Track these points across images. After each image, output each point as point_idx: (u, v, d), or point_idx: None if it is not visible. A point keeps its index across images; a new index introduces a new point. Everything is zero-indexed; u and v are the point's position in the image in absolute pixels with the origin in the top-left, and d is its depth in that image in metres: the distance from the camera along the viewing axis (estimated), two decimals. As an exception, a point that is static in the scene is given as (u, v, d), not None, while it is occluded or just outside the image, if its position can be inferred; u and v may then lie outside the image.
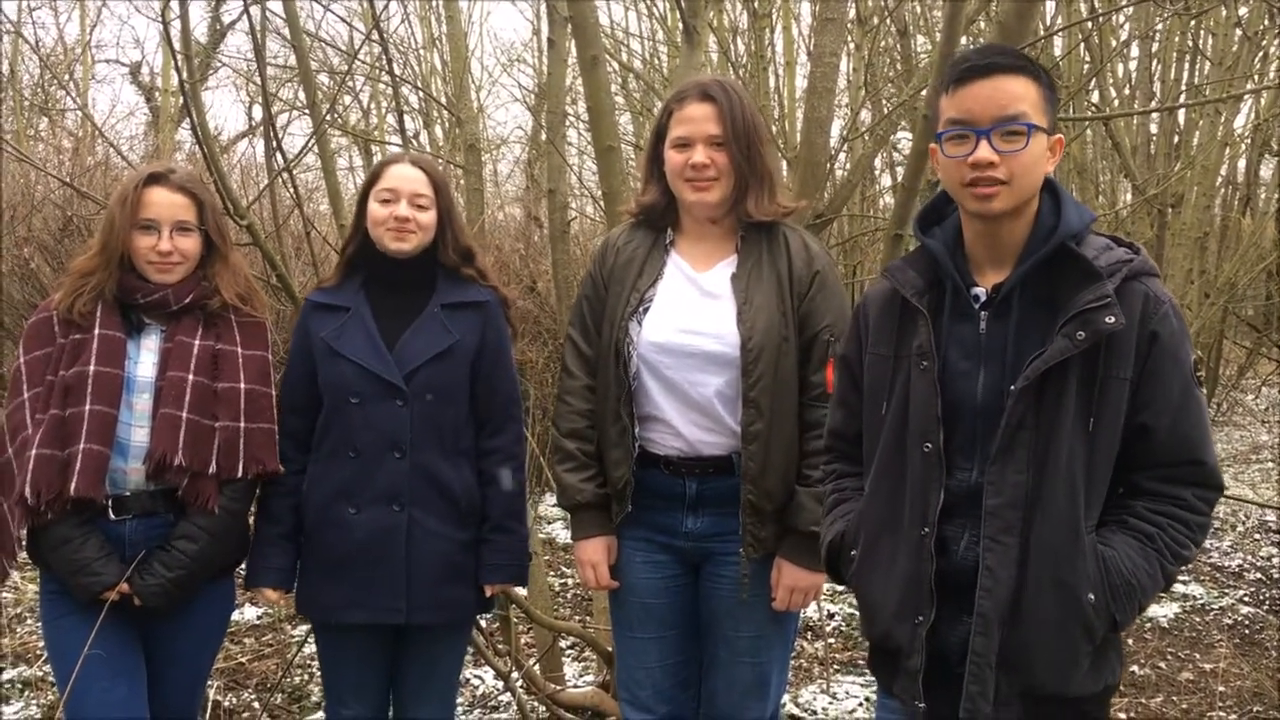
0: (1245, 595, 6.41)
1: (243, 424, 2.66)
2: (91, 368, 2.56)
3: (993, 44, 2.44)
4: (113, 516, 2.61)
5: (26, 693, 4.54)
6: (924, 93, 3.72)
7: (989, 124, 1.92)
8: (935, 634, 2.01)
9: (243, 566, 2.85)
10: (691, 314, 2.64)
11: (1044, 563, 1.92)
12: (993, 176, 1.92)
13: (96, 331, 2.61)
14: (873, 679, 4.86)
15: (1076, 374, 1.91)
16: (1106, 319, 1.87)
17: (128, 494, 2.61)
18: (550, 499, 7.47)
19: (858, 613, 5.82)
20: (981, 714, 1.93)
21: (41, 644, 4.12)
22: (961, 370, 2.01)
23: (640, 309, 2.67)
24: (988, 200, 1.94)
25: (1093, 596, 1.91)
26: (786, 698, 4.57)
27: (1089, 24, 6.20)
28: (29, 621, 5.38)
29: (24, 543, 2.60)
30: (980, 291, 2.03)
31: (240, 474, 2.66)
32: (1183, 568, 2.01)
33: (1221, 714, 4.63)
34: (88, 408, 2.53)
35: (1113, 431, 1.93)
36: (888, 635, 2.08)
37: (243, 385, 2.68)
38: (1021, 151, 1.92)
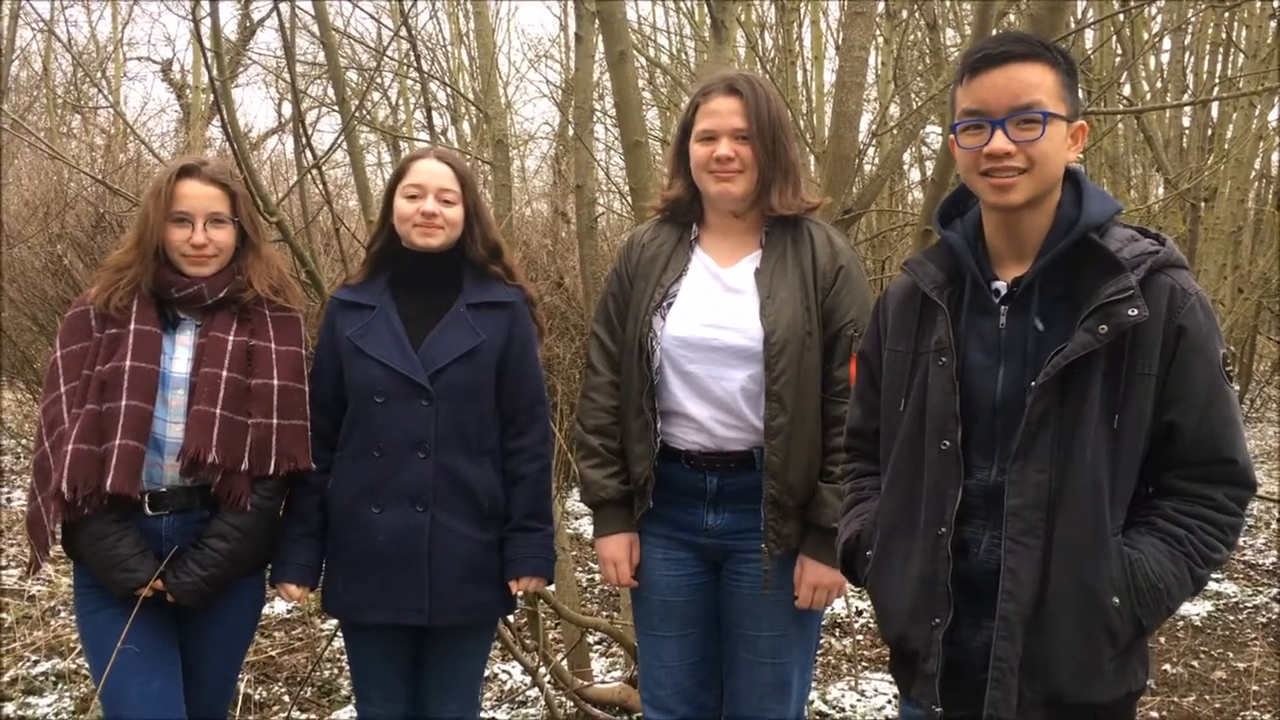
0: (1279, 593, 6.34)
1: (275, 421, 2.67)
2: (127, 363, 2.57)
3: (1009, 32, 2.40)
4: (149, 512, 2.63)
5: (60, 685, 4.58)
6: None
7: (1003, 113, 1.89)
8: (956, 638, 1.97)
9: (272, 562, 2.87)
10: (715, 309, 2.64)
11: (1067, 565, 1.87)
12: (1010, 166, 1.89)
13: (132, 327, 2.62)
14: (901, 676, 4.85)
15: (1100, 369, 1.86)
16: (1129, 311, 1.82)
17: (164, 490, 2.63)
18: (578, 495, 7.47)
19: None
20: None
21: (75, 637, 4.16)
22: (981, 366, 1.97)
23: (664, 304, 2.67)
24: (1005, 191, 1.90)
25: (1117, 600, 1.87)
26: (814, 695, 4.56)
27: (1121, 17, 6.14)
28: (63, 614, 5.43)
29: (58, 536, 2.62)
30: (1000, 285, 1.99)
31: (272, 471, 2.67)
32: (1214, 570, 1.97)
33: (1255, 713, 4.59)
34: (124, 403, 2.54)
35: (1138, 429, 1.89)
36: (904, 638, 2.04)
37: (276, 382, 2.69)
38: (1038, 140, 1.88)
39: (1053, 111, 1.89)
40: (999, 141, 1.89)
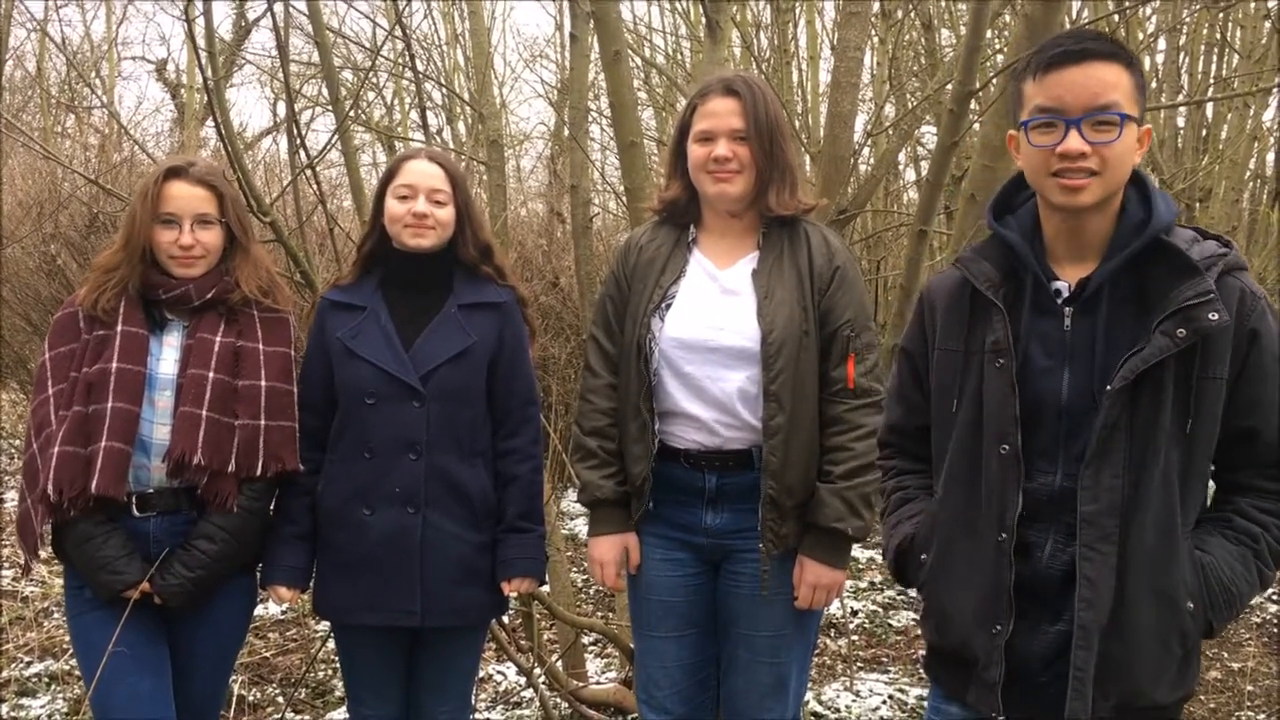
0: (1274, 594, 6.34)
1: (263, 422, 2.67)
2: (114, 365, 2.57)
3: (1084, 29, 2.34)
4: (136, 513, 2.62)
5: (53, 686, 4.57)
6: (949, 87, 3.70)
7: (1080, 112, 1.83)
8: (1013, 643, 1.94)
9: (263, 563, 2.86)
10: (713, 310, 2.64)
11: (1142, 571, 1.85)
12: (1083, 167, 1.84)
13: (119, 328, 2.61)
14: (896, 676, 4.86)
15: (1172, 373, 1.83)
16: (1210, 316, 1.79)
17: (151, 491, 2.62)
18: (573, 495, 7.47)
19: (881, 610, 5.79)
20: None
21: (68, 638, 4.15)
22: (1043, 368, 1.93)
23: (663, 305, 2.67)
24: (1075, 193, 1.86)
25: (1191, 604, 1.86)
26: (809, 695, 4.55)
27: (1115, 17, 6.15)
28: (55, 616, 5.42)
29: (48, 538, 2.61)
30: (1062, 286, 1.94)
31: (260, 472, 2.66)
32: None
33: (1250, 713, 4.59)
34: (110, 405, 2.53)
35: (1210, 433, 1.86)
36: (965, 644, 2.01)
37: (264, 383, 2.68)
38: (1114, 142, 1.84)
39: (1129, 114, 1.85)
40: (1074, 141, 1.84)
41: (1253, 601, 6.08)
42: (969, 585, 2.00)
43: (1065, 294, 1.94)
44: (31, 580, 5.77)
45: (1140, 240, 1.88)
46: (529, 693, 4.45)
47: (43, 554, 2.62)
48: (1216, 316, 1.79)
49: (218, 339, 2.67)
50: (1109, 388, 1.84)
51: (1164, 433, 1.84)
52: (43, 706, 4.36)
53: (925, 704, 2.35)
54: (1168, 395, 1.83)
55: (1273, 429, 1.88)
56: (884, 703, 4.59)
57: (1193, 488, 1.89)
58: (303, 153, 3.91)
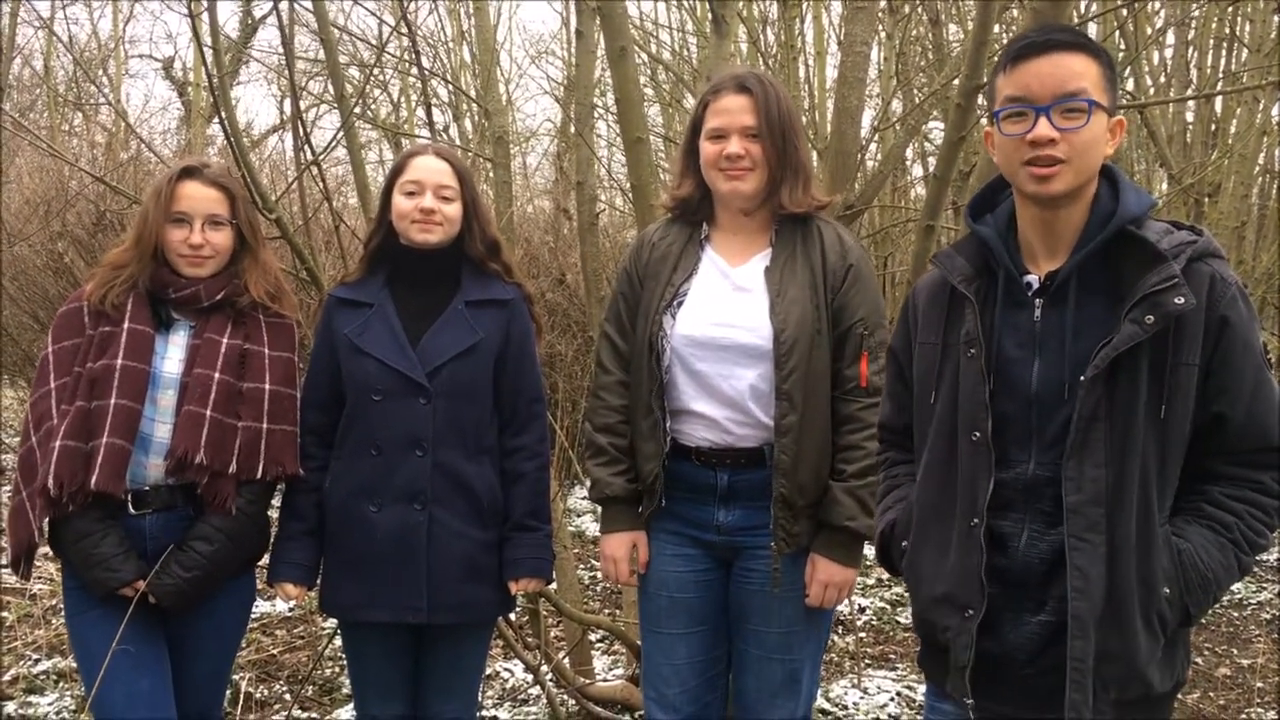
0: (1284, 590, 6.33)
1: (265, 425, 2.67)
2: (119, 361, 2.56)
3: (1052, 23, 2.36)
4: (132, 511, 2.61)
5: (61, 684, 4.57)
6: (956, 82, 3.69)
7: (1048, 100, 1.86)
8: (994, 631, 1.96)
9: (265, 560, 2.85)
10: (725, 307, 2.63)
11: (1127, 559, 1.86)
12: (1051, 155, 1.86)
13: (126, 325, 2.61)
14: (904, 674, 4.85)
15: (1146, 361, 1.85)
16: (1175, 300, 1.81)
17: (147, 488, 2.62)
18: (580, 492, 7.48)
19: (889, 607, 5.79)
20: None
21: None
22: (1015, 358, 1.96)
23: (674, 302, 2.66)
24: (1046, 181, 1.88)
25: (1168, 590, 1.86)
26: (818, 692, 4.54)
27: (1124, 11, 6.12)
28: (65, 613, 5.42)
29: (45, 533, 2.59)
30: (1033, 279, 1.97)
31: (260, 475, 2.66)
32: (1258, 554, 1.96)
33: (1260, 710, 4.58)
34: (112, 401, 2.53)
35: (1184, 419, 1.87)
36: (935, 628, 2.04)
37: (268, 386, 2.69)
38: (1082, 129, 1.86)
39: (1096, 101, 1.87)
40: (1043, 128, 1.86)
41: (1263, 598, 6.07)
42: (941, 570, 2.02)
43: (1036, 286, 1.97)
44: (39, 577, 5.77)
45: (1106, 232, 1.90)
46: (536, 690, 4.45)
47: (43, 549, 2.61)
48: (1182, 301, 1.81)
49: (225, 340, 2.67)
50: (1083, 378, 1.86)
51: (1140, 420, 1.85)
52: (50, 704, 4.36)
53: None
54: (1142, 383, 1.85)
55: (1242, 415, 1.89)
56: (892, 699, 4.58)
57: (1168, 475, 1.90)
58: (308, 150, 3.91)
